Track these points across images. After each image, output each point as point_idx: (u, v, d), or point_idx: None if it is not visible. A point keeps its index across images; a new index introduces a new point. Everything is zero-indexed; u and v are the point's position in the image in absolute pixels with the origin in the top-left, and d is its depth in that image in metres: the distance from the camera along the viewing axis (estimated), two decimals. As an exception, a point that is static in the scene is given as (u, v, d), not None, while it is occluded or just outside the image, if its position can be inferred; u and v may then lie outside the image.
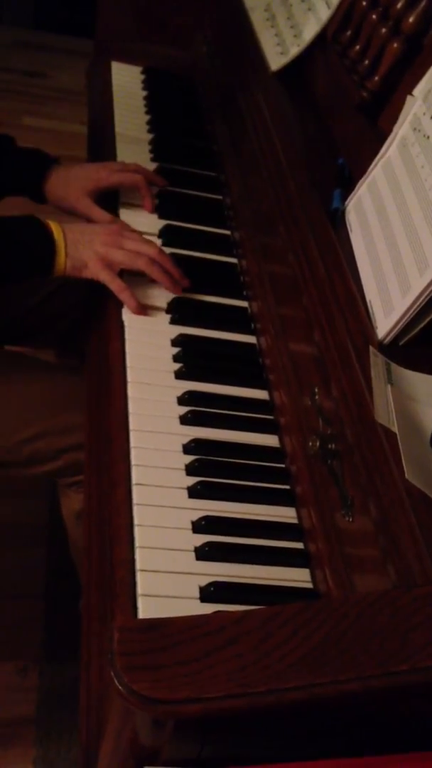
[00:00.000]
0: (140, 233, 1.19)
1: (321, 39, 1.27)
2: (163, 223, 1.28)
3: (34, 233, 1.09)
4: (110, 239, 1.11)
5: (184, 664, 0.56)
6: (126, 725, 0.61)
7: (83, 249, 1.10)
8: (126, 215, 1.28)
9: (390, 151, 0.97)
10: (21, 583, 1.57)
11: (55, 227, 1.10)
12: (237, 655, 0.57)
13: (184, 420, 0.98)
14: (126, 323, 1.10)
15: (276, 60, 1.33)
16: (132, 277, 1.15)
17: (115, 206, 1.29)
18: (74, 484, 1.19)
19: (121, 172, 1.30)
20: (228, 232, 1.31)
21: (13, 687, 1.42)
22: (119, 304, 1.12)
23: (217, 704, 0.55)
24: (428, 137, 0.90)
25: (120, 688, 0.55)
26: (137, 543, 0.84)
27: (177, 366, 1.05)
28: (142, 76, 1.68)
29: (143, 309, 1.11)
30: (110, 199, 1.30)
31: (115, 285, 1.11)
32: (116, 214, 1.27)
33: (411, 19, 1.05)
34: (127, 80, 1.65)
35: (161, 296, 1.15)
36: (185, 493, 0.90)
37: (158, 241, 1.23)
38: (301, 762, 0.59)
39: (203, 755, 0.61)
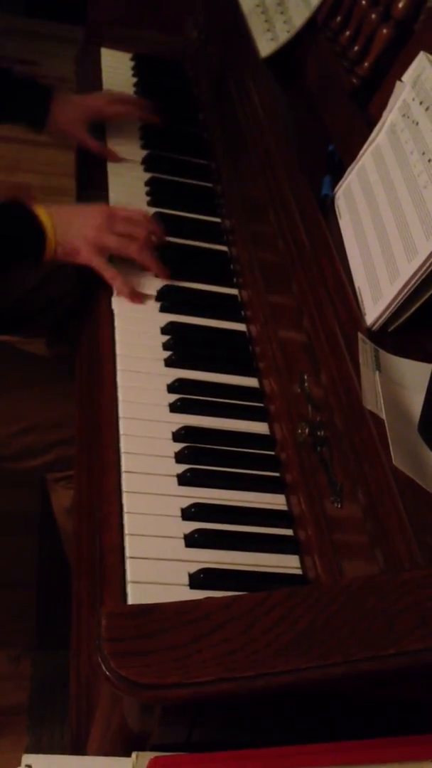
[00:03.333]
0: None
1: (311, 25, 1.27)
2: (153, 210, 1.28)
3: (20, 220, 1.07)
4: (101, 223, 1.10)
5: (172, 649, 0.56)
6: (115, 711, 0.61)
7: (74, 234, 1.08)
8: (112, 143, 1.38)
9: (379, 138, 0.96)
10: (13, 571, 1.57)
11: (42, 212, 1.08)
12: (225, 640, 0.57)
13: (174, 408, 0.98)
14: (116, 311, 1.09)
15: (266, 46, 1.33)
16: (120, 263, 1.15)
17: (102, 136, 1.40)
18: (64, 479, 1.19)
19: (117, 103, 1.40)
20: (218, 220, 1.31)
21: (5, 676, 1.43)
22: (109, 292, 1.12)
23: (205, 689, 0.55)
24: (417, 123, 0.90)
25: (108, 673, 0.55)
26: (127, 530, 0.84)
27: (167, 354, 1.05)
28: (132, 63, 1.67)
29: (137, 296, 1.11)
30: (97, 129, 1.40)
31: (107, 273, 1.10)
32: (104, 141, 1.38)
33: (401, 5, 1.04)
34: (117, 67, 1.64)
35: (151, 284, 1.15)
36: (175, 480, 0.90)
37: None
38: (290, 746, 0.60)
39: (192, 740, 0.61)
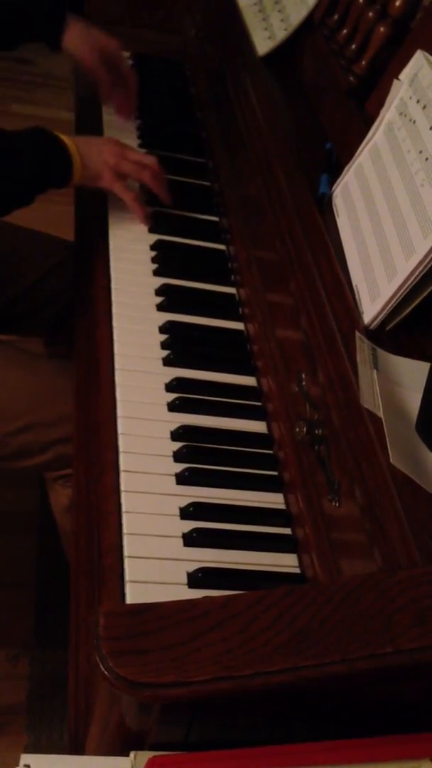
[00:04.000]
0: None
1: (308, 23, 1.27)
2: (151, 209, 1.28)
3: (49, 144, 1.13)
4: (116, 150, 1.17)
5: (170, 648, 0.56)
6: (113, 709, 0.61)
7: (96, 159, 1.16)
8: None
9: (376, 136, 0.96)
10: (11, 570, 1.57)
11: (66, 139, 1.14)
12: (222, 639, 0.57)
13: (172, 407, 0.98)
14: (114, 310, 1.09)
15: (264, 44, 1.33)
16: (121, 264, 1.16)
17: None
18: (62, 478, 1.19)
19: (119, 59, 1.42)
20: (216, 218, 1.31)
21: (4, 675, 1.43)
22: (107, 291, 1.12)
23: (203, 688, 0.55)
24: (414, 122, 0.90)
25: (106, 672, 0.55)
26: (125, 529, 0.84)
27: (165, 353, 1.05)
28: (130, 62, 1.66)
29: (150, 219, 1.21)
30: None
31: (128, 196, 1.19)
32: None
33: (398, 3, 1.04)
34: (114, 66, 1.63)
35: (149, 284, 1.15)
36: (173, 479, 0.90)
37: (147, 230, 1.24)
38: (288, 744, 0.60)
39: (190, 739, 0.61)
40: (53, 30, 1.35)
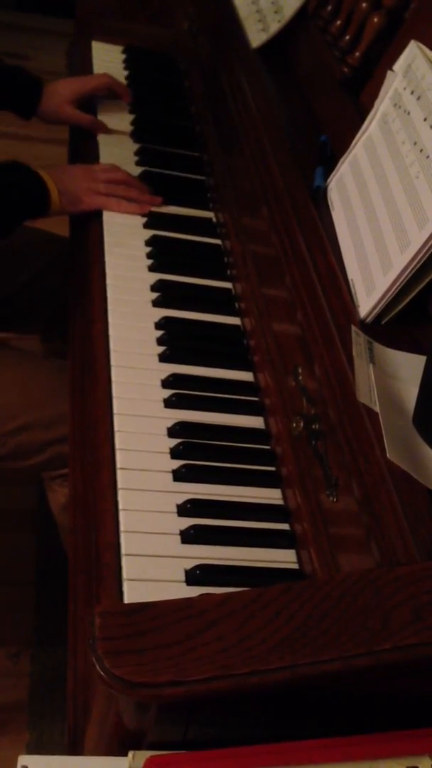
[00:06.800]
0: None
1: (302, 14, 1.26)
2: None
3: (24, 177, 1.16)
4: (88, 174, 1.22)
5: (166, 647, 0.56)
6: (110, 709, 0.61)
7: (71, 185, 1.20)
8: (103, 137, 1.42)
9: (371, 128, 0.96)
10: (11, 569, 1.57)
11: (39, 169, 1.18)
12: (219, 638, 0.57)
13: (169, 403, 0.97)
14: (109, 307, 1.09)
15: (257, 37, 1.32)
16: (116, 260, 1.15)
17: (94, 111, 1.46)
18: (60, 477, 1.19)
19: (93, 79, 1.48)
20: (211, 213, 1.30)
21: (5, 673, 1.43)
22: (103, 287, 1.11)
23: (200, 687, 0.55)
24: (408, 113, 0.89)
25: (102, 673, 0.55)
26: (122, 527, 0.83)
27: (161, 349, 1.04)
28: (123, 56, 1.65)
29: (146, 207, 1.25)
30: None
31: (112, 203, 1.22)
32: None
33: (391, -7, 1.03)
34: (107, 60, 1.63)
35: (145, 280, 1.14)
36: (170, 476, 0.90)
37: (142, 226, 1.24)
38: (286, 742, 0.59)
39: (188, 737, 0.61)
40: (26, 103, 1.40)
